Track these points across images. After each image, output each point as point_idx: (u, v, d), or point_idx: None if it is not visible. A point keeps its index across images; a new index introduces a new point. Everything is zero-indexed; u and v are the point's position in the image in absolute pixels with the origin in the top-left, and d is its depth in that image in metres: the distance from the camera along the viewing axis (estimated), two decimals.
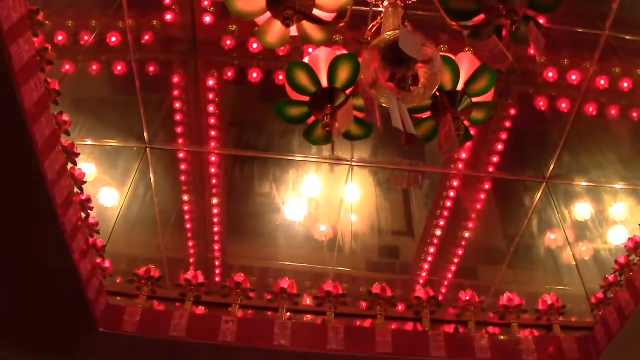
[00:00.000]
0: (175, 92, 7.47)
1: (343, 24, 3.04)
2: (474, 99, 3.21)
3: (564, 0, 2.81)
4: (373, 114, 2.79)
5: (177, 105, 7.45)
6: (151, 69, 7.19)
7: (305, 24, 2.98)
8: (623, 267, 4.99)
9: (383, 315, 4.87)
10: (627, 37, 6.72)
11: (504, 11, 2.71)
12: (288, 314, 4.84)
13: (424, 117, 3.27)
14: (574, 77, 7.52)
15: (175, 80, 7.43)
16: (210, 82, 7.32)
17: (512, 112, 7.75)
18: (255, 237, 8.54)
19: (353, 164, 7.16)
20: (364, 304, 5.18)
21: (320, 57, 3.19)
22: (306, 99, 3.19)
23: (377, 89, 2.71)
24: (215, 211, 8.20)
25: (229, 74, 7.26)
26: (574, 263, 7.12)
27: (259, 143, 7.43)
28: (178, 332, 4.76)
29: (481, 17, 2.85)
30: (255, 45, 6.90)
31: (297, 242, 8.33)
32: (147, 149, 7.16)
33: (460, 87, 3.17)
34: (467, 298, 5.06)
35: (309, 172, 7.50)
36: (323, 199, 7.85)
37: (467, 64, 3.19)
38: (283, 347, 4.51)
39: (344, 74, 3.11)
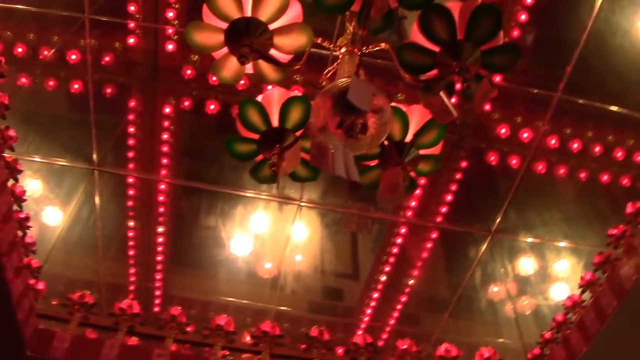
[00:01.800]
0: (130, 116, 7.40)
1: (299, 66, 3.05)
2: (422, 151, 3.24)
3: (516, 62, 2.86)
4: (325, 160, 2.78)
5: (131, 129, 7.37)
6: (108, 90, 7.11)
7: (262, 63, 2.99)
8: (560, 325, 5.04)
9: (319, 359, 4.82)
10: (580, 101, 6.87)
11: (457, 68, 2.75)
12: (223, 351, 4.75)
13: (371, 165, 3.29)
14: (525, 135, 7.66)
15: (132, 104, 7.36)
16: (167, 110, 7.26)
17: (463, 164, 7.84)
18: (198, 270, 8.45)
19: (302, 204, 7.15)
20: (302, 346, 5.12)
21: (273, 97, 3.19)
22: (256, 136, 3.18)
23: (325, 133, 2.71)
24: (160, 240, 8.09)
25: (187, 103, 7.20)
26: (514, 317, 7.18)
27: (209, 175, 7.37)
28: None
29: (434, 72, 2.90)
30: (215, 77, 6.87)
31: (241, 277, 8.26)
32: (95, 172, 7.04)
33: (408, 138, 3.20)
34: (405, 347, 5.04)
35: (257, 208, 7.46)
36: (269, 236, 7.81)
37: (417, 116, 3.22)
38: None
39: (295, 115, 3.12)
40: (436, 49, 2.83)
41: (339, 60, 3.14)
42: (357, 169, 2.57)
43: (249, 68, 3.04)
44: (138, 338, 4.89)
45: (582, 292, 4.87)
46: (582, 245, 7.48)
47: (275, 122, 3.15)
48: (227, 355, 4.69)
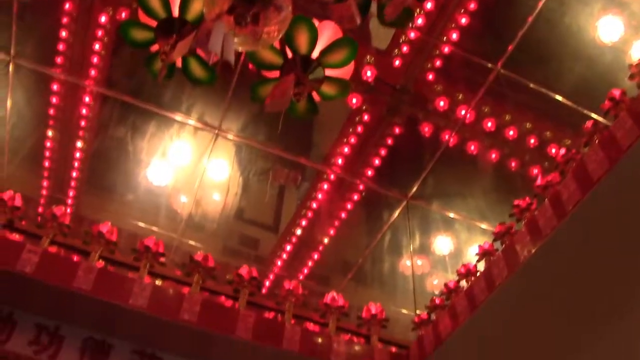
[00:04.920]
0: (64, 20, 7.04)
1: None
2: (329, 73, 3.07)
3: None
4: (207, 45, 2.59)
5: (63, 33, 7.02)
6: None
7: None
8: (451, 292, 4.96)
9: (198, 285, 4.64)
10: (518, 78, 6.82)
11: None
12: (101, 261, 4.54)
13: (272, 76, 3.11)
14: (463, 112, 7.59)
15: (67, 6, 7.00)
16: (103, 19, 6.94)
17: (397, 130, 7.75)
18: (111, 193, 8.20)
19: (220, 133, 6.82)
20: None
21: None
22: (154, 24, 2.98)
23: (217, 20, 2.52)
24: (78, 155, 7.81)
25: (124, 14, 6.89)
26: (413, 286, 7.13)
27: (130, 87, 7.02)
28: None
29: None
30: None
31: (157, 208, 8.05)
32: (11, 64, 6.64)
33: (316, 54, 3.03)
34: (291, 288, 4.90)
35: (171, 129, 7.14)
36: (186, 165, 7.55)
37: (328, 32, 3.05)
38: (82, 291, 4.21)
39: (196, 7, 2.92)
40: None
41: None
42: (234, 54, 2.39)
43: None
44: (18, 233, 4.62)
45: (478, 261, 4.79)
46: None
47: (176, 11, 2.95)
48: (104, 267, 4.47)
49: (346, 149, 7.83)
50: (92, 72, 7.13)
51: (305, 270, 8.56)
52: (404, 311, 6.99)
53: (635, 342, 4.81)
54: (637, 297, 4.39)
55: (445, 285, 5.03)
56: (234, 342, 4.48)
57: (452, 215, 7.71)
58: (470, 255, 7.64)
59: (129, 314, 4.34)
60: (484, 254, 4.72)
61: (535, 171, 7.98)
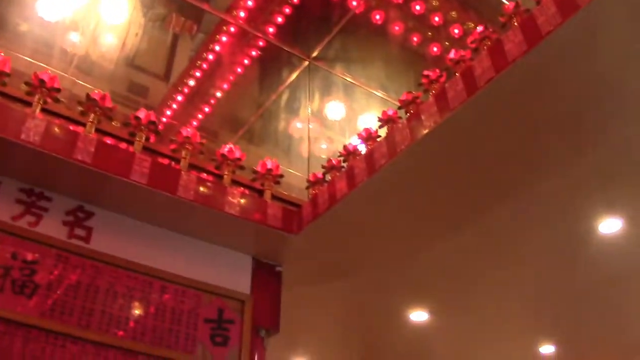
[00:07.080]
0: None
1: None
2: None
3: None
4: None
5: None
6: None
7: None
8: (349, 154, 4.97)
9: (94, 125, 4.42)
10: None
11: None
12: None
13: None
14: None
15: None
16: None
17: None
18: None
19: None
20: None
21: None
22: None
23: None
24: None
25: None
26: (307, 146, 7.16)
27: None
28: None
29: None
30: None
31: (48, 45, 7.54)
32: None
33: None
34: (188, 135, 4.77)
35: None
36: (85, 3, 7.06)
37: None
38: None
39: None
40: None
41: None
42: None
43: None
44: None
45: (380, 127, 4.79)
46: (394, 99, 7.51)
47: None
48: None
49: (250, 2, 7.59)
50: None
51: (195, 123, 8.41)
52: (293, 172, 7.01)
53: (516, 229, 5.14)
54: (531, 181, 4.60)
55: (344, 147, 5.03)
56: (128, 186, 4.35)
57: (351, 80, 7.69)
58: (366, 123, 7.75)
59: (20, 149, 4.08)
60: (387, 120, 4.72)
61: (435, 49, 8.05)
